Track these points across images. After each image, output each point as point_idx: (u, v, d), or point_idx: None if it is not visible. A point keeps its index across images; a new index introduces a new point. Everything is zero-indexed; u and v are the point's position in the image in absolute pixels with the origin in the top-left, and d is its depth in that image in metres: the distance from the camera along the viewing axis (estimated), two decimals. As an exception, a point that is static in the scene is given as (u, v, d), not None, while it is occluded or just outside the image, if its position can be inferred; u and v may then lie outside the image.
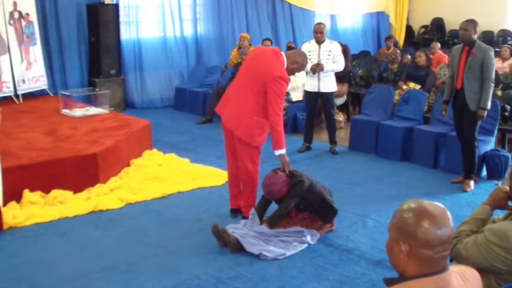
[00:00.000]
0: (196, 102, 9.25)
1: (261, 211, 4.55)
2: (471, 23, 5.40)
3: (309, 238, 4.36)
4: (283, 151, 4.46)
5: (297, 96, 8.08)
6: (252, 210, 4.55)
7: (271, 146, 4.52)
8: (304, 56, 4.73)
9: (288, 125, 8.01)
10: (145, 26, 9.70)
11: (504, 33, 11.67)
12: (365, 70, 9.50)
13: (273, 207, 4.58)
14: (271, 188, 4.39)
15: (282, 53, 4.55)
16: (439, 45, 9.77)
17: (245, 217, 4.65)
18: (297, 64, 4.57)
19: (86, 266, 4.02)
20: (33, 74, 7.99)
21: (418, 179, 6.00)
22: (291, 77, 7.95)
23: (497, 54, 8.64)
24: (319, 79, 6.76)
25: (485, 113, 5.41)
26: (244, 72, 4.56)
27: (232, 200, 4.88)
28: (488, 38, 11.24)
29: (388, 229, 1.77)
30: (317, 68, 6.65)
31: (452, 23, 12.14)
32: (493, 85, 5.44)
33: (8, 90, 7.60)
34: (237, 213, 4.84)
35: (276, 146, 4.46)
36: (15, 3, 7.71)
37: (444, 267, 1.70)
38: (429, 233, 1.66)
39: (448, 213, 1.72)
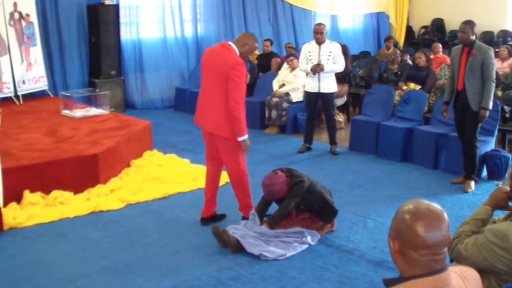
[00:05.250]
0: (196, 103, 9.23)
1: (261, 212, 4.55)
2: (468, 25, 5.39)
3: (309, 239, 4.36)
4: (245, 137, 4.44)
5: (297, 97, 8.08)
6: (253, 211, 4.55)
7: (235, 134, 4.41)
8: (251, 36, 4.63)
9: (288, 126, 8.03)
10: (145, 26, 9.70)
11: (504, 33, 11.66)
12: (365, 71, 9.50)
13: (273, 208, 4.58)
14: (271, 188, 4.39)
15: (229, 43, 4.51)
16: (440, 45, 9.77)
17: (245, 218, 4.65)
18: (247, 45, 4.48)
19: (86, 267, 4.02)
20: (33, 75, 8.00)
21: (418, 180, 6.00)
22: (292, 78, 8.06)
23: (497, 54, 8.65)
24: (319, 80, 6.75)
25: (487, 113, 5.41)
26: (206, 77, 4.53)
27: (205, 209, 4.78)
28: (488, 38, 11.24)
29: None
30: (317, 69, 6.65)
31: (452, 23, 12.14)
32: (494, 85, 5.44)
33: (8, 91, 7.61)
34: (207, 222, 4.72)
35: (238, 134, 4.40)
36: (15, 4, 7.71)
37: (439, 269, 1.70)
38: (415, 235, 1.68)
39: (444, 218, 1.72)
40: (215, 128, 4.49)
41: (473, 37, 5.40)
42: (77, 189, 5.28)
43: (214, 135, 4.54)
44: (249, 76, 4.80)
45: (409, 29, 13.30)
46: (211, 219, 4.76)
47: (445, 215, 1.73)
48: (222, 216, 4.84)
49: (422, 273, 1.68)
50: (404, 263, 1.72)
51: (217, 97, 4.40)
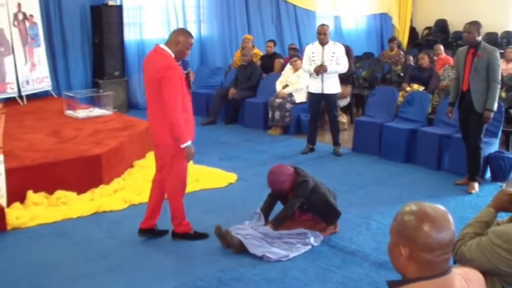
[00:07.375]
0: (199, 103, 9.23)
1: (266, 211, 4.56)
2: (474, 26, 5.38)
3: (312, 240, 4.36)
4: (188, 143, 4.22)
5: (300, 97, 8.08)
6: (258, 210, 4.56)
7: (177, 141, 4.21)
8: (182, 32, 4.29)
9: (291, 127, 8.03)
10: (148, 27, 9.72)
11: (508, 34, 11.65)
12: (368, 72, 9.49)
13: (277, 207, 4.57)
14: (276, 177, 4.40)
15: (161, 46, 4.23)
16: (442, 47, 9.76)
17: (176, 233, 4.44)
18: (180, 43, 4.18)
19: (89, 267, 4.02)
20: (37, 75, 8.02)
21: (421, 181, 5.99)
22: (295, 79, 8.05)
23: (502, 55, 8.61)
24: (322, 80, 6.75)
25: (492, 114, 5.40)
26: (146, 88, 4.34)
27: (145, 218, 4.51)
28: (492, 39, 11.22)
29: (389, 232, 1.77)
30: (320, 69, 6.65)
31: (455, 24, 12.14)
32: (499, 86, 5.43)
33: (12, 91, 7.63)
34: (146, 234, 4.49)
35: (179, 141, 4.18)
36: (19, 5, 7.73)
37: (446, 269, 1.69)
38: (429, 237, 1.65)
39: (449, 216, 1.70)
40: (155, 136, 4.31)
41: (478, 38, 5.38)
42: (80, 189, 5.28)
43: (156, 145, 4.34)
44: (193, 74, 4.51)
45: (412, 30, 13.30)
46: (150, 231, 4.50)
47: (448, 213, 1.72)
48: (162, 233, 4.54)
49: (431, 274, 1.66)
50: (416, 267, 1.67)
51: (154, 105, 4.20)
